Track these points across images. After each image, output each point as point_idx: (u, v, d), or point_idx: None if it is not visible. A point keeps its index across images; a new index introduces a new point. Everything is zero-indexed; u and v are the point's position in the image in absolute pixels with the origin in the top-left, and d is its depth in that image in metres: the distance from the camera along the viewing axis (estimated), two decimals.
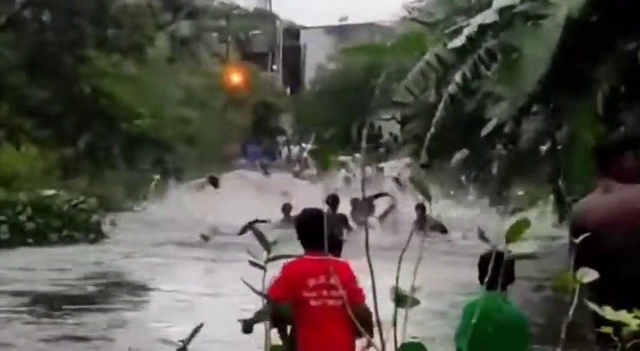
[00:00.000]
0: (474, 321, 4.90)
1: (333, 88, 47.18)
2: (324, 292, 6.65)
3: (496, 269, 4.95)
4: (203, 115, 37.14)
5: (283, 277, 6.59)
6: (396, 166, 31.12)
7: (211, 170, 31.81)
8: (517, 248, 2.81)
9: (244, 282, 2.96)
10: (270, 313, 6.25)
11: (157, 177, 29.80)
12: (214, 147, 36.38)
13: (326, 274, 6.54)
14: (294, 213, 24.02)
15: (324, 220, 7.03)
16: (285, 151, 44.64)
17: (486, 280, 5.40)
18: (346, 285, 6.42)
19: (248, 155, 38.96)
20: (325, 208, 21.26)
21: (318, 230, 6.50)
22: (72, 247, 22.45)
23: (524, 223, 2.81)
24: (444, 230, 24.21)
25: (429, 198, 2.88)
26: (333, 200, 22.84)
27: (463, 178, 28.59)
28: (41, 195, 24.47)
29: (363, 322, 4.73)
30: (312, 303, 6.67)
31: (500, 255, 2.99)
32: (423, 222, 23.02)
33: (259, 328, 3.23)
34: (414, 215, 23.52)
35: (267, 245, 2.88)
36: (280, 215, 24.46)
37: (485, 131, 20.52)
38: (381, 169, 31.77)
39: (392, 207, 25.44)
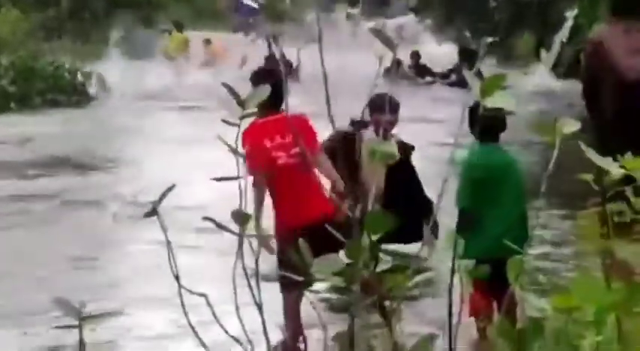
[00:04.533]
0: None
1: None
2: (283, 152, 6.62)
3: (489, 120, 5.87)
4: None
5: (248, 144, 6.41)
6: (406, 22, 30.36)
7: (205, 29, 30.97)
8: (493, 102, 2.67)
9: (220, 139, 2.92)
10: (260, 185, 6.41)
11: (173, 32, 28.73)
12: (208, 3, 35.26)
13: (282, 133, 6.58)
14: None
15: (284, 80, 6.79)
16: None
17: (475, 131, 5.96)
18: (303, 138, 6.52)
19: (242, 12, 37.66)
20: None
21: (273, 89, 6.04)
22: (56, 110, 21.79)
23: (501, 78, 2.68)
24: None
25: (392, 47, 2.80)
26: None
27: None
28: (24, 58, 23.70)
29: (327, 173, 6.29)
30: (279, 162, 6.64)
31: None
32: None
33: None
34: None
35: (240, 101, 2.81)
36: None
37: None
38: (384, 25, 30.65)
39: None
